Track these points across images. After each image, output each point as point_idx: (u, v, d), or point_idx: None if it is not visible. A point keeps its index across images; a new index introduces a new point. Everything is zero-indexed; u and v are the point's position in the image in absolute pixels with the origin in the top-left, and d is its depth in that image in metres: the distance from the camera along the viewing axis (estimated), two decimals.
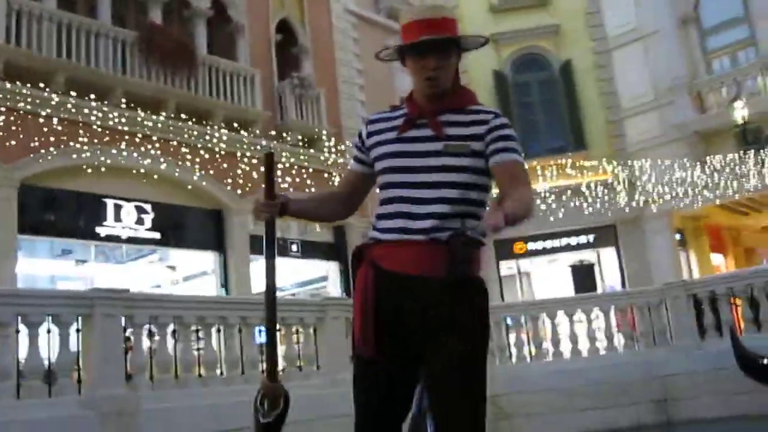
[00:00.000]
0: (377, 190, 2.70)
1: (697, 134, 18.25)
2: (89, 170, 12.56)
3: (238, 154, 14.77)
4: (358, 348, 2.50)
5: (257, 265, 15.06)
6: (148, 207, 13.62)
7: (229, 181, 14.56)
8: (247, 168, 14.73)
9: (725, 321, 11.07)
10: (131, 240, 13.56)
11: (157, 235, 13.78)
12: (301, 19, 17.41)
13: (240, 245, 14.80)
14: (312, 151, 16.26)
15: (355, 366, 2.60)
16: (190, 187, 14.05)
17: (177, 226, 14.21)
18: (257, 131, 15.22)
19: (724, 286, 11.34)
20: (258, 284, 15.08)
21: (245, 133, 14.90)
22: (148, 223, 13.60)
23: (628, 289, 15.60)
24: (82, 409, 6.80)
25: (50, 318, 6.96)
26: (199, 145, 14.13)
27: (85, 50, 12.84)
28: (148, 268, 15.60)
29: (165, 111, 13.72)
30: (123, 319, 7.37)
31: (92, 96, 12.59)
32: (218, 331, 8.29)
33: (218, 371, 8.26)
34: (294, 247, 16.29)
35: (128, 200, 13.32)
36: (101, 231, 13.04)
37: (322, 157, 16.30)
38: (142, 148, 13.23)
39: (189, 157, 13.92)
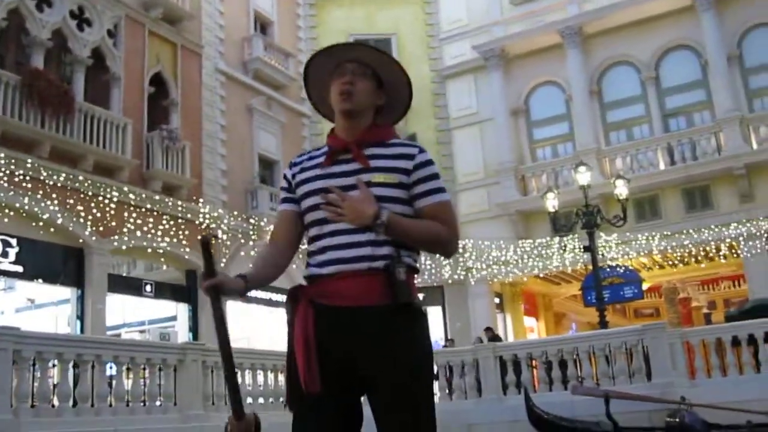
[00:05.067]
0: (306, 229, 2.66)
1: (519, 213, 20.89)
2: None
3: (104, 197, 15.71)
4: (306, 386, 2.41)
5: (112, 301, 16.03)
6: (13, 241, 14.31)
7: (91, 222, 15.44)
8: (111, 211, 15.71)
9: (523, 380, 13.14)
10: None
11: (20, 269, 14.46)
12: (174, 73, 18.59)
13: (97, 283, 15.66)
14: (173, 199, 17.39)
15: (296, 411, 2.52)
16: (54, 225, 14.81)
17: (39, 261, 14.89)
18: (124, 177, 16.23)
19: (525, 351, 13.48)
20: (112, 319, 16.08)
21: (110, 180, 15.88)
22: (12, 257, 14.28)
23: (446, 349, 17.58)
24: None
25: None
26: (68, 187, 14.98)
27: None
28: None
29: (39, 152, 14.55)
30: (12, 352, 8.39)
31: None
32: (92, 366, 9.41)
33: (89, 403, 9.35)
34: (148, 287, 17.28)
35: None
36: None
37: (175, 203, 17.45)
38: (13, 186, 13.95)
39: (56, 196, 14.73)
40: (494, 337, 15.97)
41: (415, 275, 2.59)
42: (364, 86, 2.62)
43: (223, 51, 20.54)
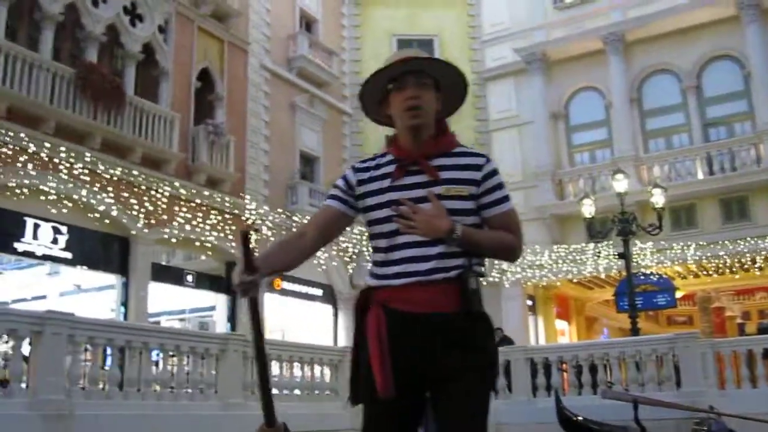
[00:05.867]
0: (371, 239, 2.72)
1: (555, 217, 21.04)
2: (17, 190, 13.75)
3: (156, 190, 16.25)
4: (381, 388, 2.49)
5: (154, 289, 16.53)
6: (63, 228, 14.85)
7: (137, 212, 15.95)
8: (161, 204, 16.22)
9: (553, 383, 13.35)
10: (46, 257, 14.77)
11: (69, 255, 15.01)
12: (220, 69, 19.05)
13: (141, 271, 16.18)
14: (220, 194, 17.94)
15: (368, 412, 2.62)
16: (102, 213, 15.33)
17: (87, 249, 15.43)
18: (170, 170, 16.71)
19: (556, 354, 13.69)
20: (154, 306, 16.60)
21: (158, 173, 16.40)
22: (62, 243, 14.83)
23: None
24: (29, 410, 8.24)
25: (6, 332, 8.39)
26: (116, 178, 15.50)
27: (26, 80, 14.01)
28: (32, 279, 16.87)
29: (91, 143, 15.07)
30: (66, 337, 8.83)
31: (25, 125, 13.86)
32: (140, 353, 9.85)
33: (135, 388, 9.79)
34: (189, 277, 17.78)
35: (46, 220, 14.54)
36: (19, 246, 14.21)
37: (222, 198, 17.92)
38: (67, 175, 14.49)
39: (107, 187, 15.26)
40: (504, 339, 16.03)
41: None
42: (429, 97, 2.65)
43: (268, 48, 20.96)
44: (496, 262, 20.48)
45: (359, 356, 2.63)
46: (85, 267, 15.66)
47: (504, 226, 2.64)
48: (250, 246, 2.54)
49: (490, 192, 2.64)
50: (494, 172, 2.68)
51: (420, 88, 2.63)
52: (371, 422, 2.61)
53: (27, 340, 8.56)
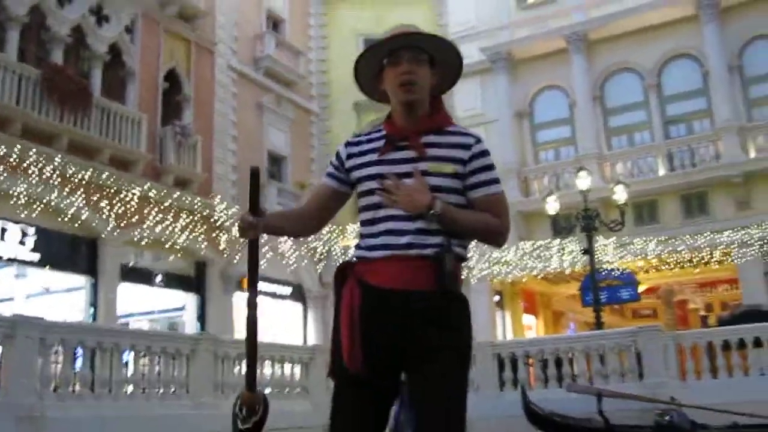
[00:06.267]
0: (359, 212, 2.70)
1: (521, 213, 21.32)
2: None
3: (121, 191, 16.22)
4: (348, 361, 2.49)
5: (122, 289, 16.53)
6: (30, 230, 14.81)
7: (107, 214, 15.94)
8: (130, 206, 16.24)
9: (520, 377, 13.62)
10: (12, 260, 14.74)
11: (36, 257, 14.97)
12: (187, 70, 19.07)
13: (110, 272, 16.17)
14: (189, 195, 17.98)
15: (336, 385, 2.61)
16: (70, 215, 15.30)
17: (55, 250, 15.39)
18: (138, 171, 16.72)
19: (522, 349, 13.99)
20: (124, 307, 16.59)
21: (126, 173, 16.39)
22: (30, 245, 14.79)
23: None
24: (1, 412, 8.30)
25: None
26: (85, 179, 15.47)
27: None
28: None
29: (58, 145, 15.03)
30: (38, 341, 8.90)
31: None
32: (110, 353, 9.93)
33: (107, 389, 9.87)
34: (158, 278, 17.79)
35: (15, 222, 14.49)
36: None
37: (192, 199, 17.97)
38: (37, 178, 14.46)
39: (77, 190, 15.25)
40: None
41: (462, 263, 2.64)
42: (424, 73, 2.62)
43: (235, 48, 21.01)
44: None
45: (336, 330, 2.61)
46: (53, 268, 15.60)
47: (489, 209, 2.60)
48: (258, 186, 2.60)
49: (477, 173, 2.61)
50: (483, 153, 2.63)
51: (415, 63, 2.60)
52: (339, 396, 2.59)
53: None
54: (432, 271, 2.48)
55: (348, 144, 2.77)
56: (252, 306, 2.73)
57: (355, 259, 2.64)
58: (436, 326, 2.48)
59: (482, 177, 2.61)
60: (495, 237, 2.65)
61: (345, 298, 2.55)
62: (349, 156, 2.72)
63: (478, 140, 2.65)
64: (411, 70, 2.59)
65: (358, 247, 2.64)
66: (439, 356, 2.47)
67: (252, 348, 2.72)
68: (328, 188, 2.78)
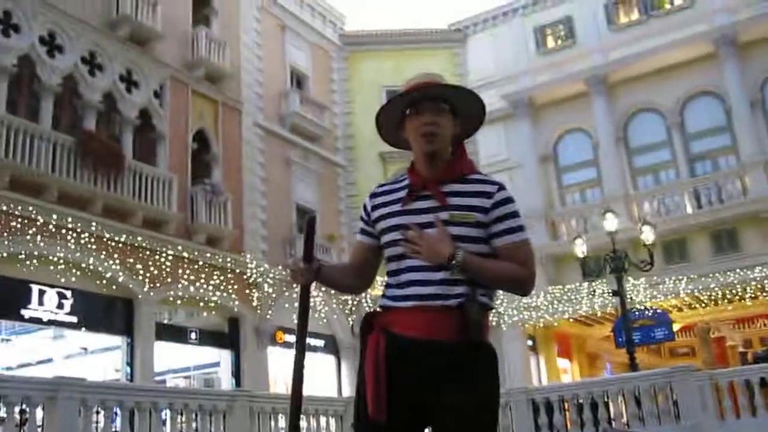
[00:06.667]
0: (386, 263, 2.72)
1: (550, 257, 21.39)
2: (21, 257, 14.09)
3: (155, 252, 16.59)
4: (372, 411, 2.49)
5: (159, 348, 16.77)
6: (68, 293, 15.14)
7: (143, 276, 16.28)
8: (164, 267, 16.58)
9: (555, 422, 13.59)
10: (51, 322, 15.06)
11: (74, 319, 15.28)
12: (215, 129, 19.52)
13: (146, 331, 16.42)
14: (222, 253, 18.29)
15: None
16: (107, 277, 15.65)
17: (92, 312, 15.70)
18: (171, 231, 17.08)
19: (557, 394, 13.96)
20: (160, 365, 16.82)
21: (159, 234, 16.77)
22: (67, 308, 15.11)
23: None
24: None
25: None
26: (120, 241, 15.85)
27: (28, 151, 14.39)
28: (38, 343, 17.16)
29: (92, 209, 15.43)
30: (78, 401, 9.12)
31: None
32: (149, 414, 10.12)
33: None
34: (193, 335, 18.03)
35: (52, 286, 14.84)
36: (25, 313, 14.50)
37: (224, 256, 18.29)
38: (74, 244, 14.85)
39: (113, 254, 15.65)
40: None
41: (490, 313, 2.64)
42: (446, 123, 2.65)
43: (261, 106, 21.48)
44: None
45: (361, 380, 2.63)
46: (90, 330, 15.89)
47: (513, 257, 2.58)
48: (313, 234, 2.64)
49: (500, 221, 2.59)
50: (506, 201, 2.62)
51: (437, 113, 2.64)
52: None
53: (40, 407, 8.85)
54: (456, 320, 2.48)
55: (372, 195, 2.79)
56: (301, 353, 2.79)
57: (380, 308, 2.65)
58: (460, 379, 2.48)
59: (505, 225, 2.59)
60: (520, 286, 2.62)
61: (370, 347, 2.56)
62: (374, 207, 2.74)
63: (501, 187, 2.64)
64: (433, 120, 2.63)
65: (383, 296, 2.65)
66: (463, 413, 2.46)
67: (295, 407, 2.75)
68: (362, 245, 2.80)
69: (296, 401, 2.79)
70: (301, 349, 2.77)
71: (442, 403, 2.48)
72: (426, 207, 2.60)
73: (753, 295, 19.79)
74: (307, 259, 2.62)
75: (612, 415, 13.33)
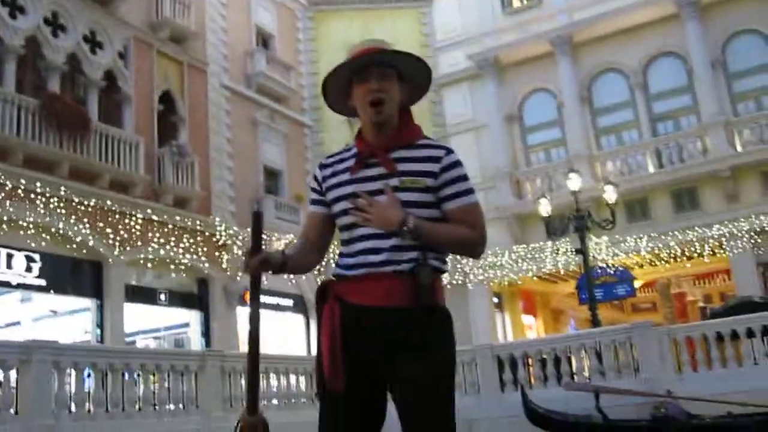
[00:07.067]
0: (340, 232, 2.70)
1: (515, 216, 21.74)
2: None
3: (124, 215, 16.62)
4: (329, 382, 2.50)
5: (129, 310, 16.86)
6: (36, 257, 15.14)
7: (112, 237, 16.30)
8: (128, 227, 16.59)
9: (520, 377, 13.97)
10: (20, 285, 15.07)
11: (43, 282, 15.30)
12: (181, 91, 19.42)
13: (116, 293, 16.51)
14: (191, 215, 18.37)
15: (322, 404, 2.60)
16: (77, 241, 15.66)
17: (61, 275, 15.73)
18: (138, 193, 17.08)
19: (521, 350, 14.33)
20: (128, 326, 16.92)
21: (127, 197, 16.77)
22: (36, 271, 15.13)
23: None
24: None
25: None
26: (89, 204, 15.82)
27: None
28: (5, 306, 17.15)
29: (59, 172, 15.38)
30: (51, 363, 9.24)
31: None
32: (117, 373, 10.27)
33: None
34: (162, 296, 18.13)
35: (20, 250, 14.82)
36: None
37: (193, 219, 18.34)
38: (38, 205, 14.80)
39: (83, 218, 15.65)
40: None
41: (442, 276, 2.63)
42: (392, 89, 2.62)
43: (227, 66, 21.37)
44: (460, 264, 21.11)
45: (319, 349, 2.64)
46: (58, 292, 15.92)
47: (464, 220, 2.58)
48: (261, 229, 2.56)
49: (449, 184, 2.59)
50: (455, 164, 2.61)
51: (383, 79, 2.60)
52: (322, 414, 2.60)
53: (14, 369, 8.96)
54: (408, 286, 2.49)
55: (322, 166, 2.76)
56: (253, 337, 2.66)
57: (335, 277, 2.65)
58: (416, 344, 2.49)
59: (454, 188, 2.59)
60: (471, 248, 2.64)
61: (326, 318, 2.56)
62: (324, 178, 2.72)
63: (449, 151, 2.64)
64: (379, 87, 2.60)
65: (337, 265, 2.65)
66: (420, 379, 2.48)
67: (254, 371, 2.65)
68: (316, 216, 2.77)
69: (252, 380, 2.66)
70: (255, 335, 2.65)
71: (399, 375, 2.50)
72: (375, 174, 2.60)
73: (711, 252, 20.31)
74: (254, 252, 2.52)
75: (574, 370, 13.74)
